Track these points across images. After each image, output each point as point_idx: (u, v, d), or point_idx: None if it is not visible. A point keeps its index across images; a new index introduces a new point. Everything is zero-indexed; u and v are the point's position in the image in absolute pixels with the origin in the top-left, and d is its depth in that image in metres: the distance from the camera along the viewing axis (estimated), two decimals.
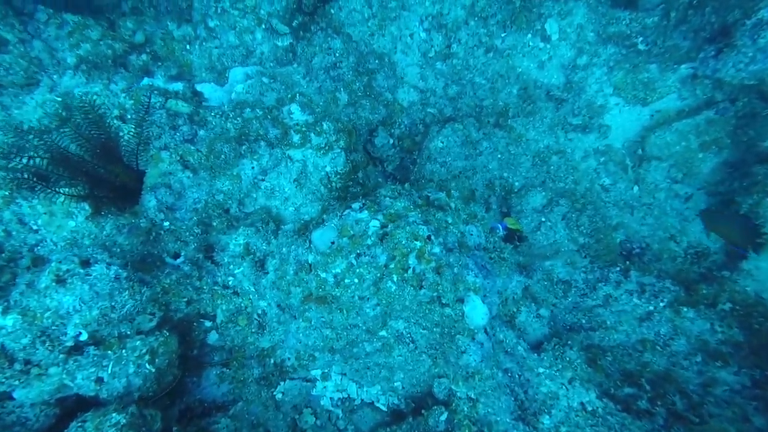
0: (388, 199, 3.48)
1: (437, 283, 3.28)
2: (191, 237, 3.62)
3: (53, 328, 2.54)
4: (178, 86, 5.02)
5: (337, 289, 3.44)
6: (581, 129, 6.21)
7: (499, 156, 6.00)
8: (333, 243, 3.37)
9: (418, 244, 3.22)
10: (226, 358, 3.81)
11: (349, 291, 3.43)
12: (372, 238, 3.24)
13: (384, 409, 4.07)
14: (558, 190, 6.11)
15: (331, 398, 4.02)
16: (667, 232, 5.68)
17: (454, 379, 3.73)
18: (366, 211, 3.38)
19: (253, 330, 3.80)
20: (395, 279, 3.22)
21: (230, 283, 3.79)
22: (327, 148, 4.38)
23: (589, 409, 3.79)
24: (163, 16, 6.56)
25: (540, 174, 6.11)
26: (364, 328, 3.61)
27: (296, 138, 4.29)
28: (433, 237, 3.28)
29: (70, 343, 2.60)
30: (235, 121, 4.21)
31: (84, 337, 2.66)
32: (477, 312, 3.30)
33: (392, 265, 3.25)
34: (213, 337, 3.85)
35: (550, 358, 3.96)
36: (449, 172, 5.82)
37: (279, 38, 6.34)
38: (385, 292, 3.34)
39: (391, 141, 6.14)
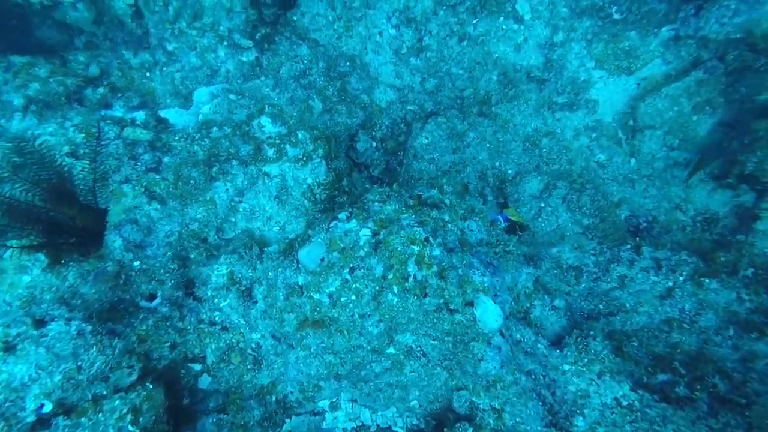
0: (376, 204, 3.18)
1: (442, 289, 2.97)
2: (167, 274, 3.29)
3: (7, 404, 2.19)
4: (140, 115, 4.72)
5: (334, 310, 3.12)
6: (568, 107, 5.97)
7: (487, 145, 5.74)
8: (323, 260, 3.06)
9: (416, 248, 2.92)
10: (223, 403, 3.46)
11: (348, 310, 3.11)
12: (364, 249, 2.94)
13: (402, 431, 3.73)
14: (553, 172, 5.85)
15: (344, 429, 3.67)
16: (671, 202, 5.43)
17: (474, 391, 3.41)
18: (354, 220, 3.07)
19: (248, 367, 3.46)
20: (396, 290, 2.91)
21: (217, 318, 3.46)
22: (305, 158, 4.08)
23: (625, 403, 3.49)
24: (119, 46, 6.25)
25: (532, 158, 5.85)
26: (368, 348, 3.29)
27: (271, 152, 3.99)
28: (431, 238, 2.98)
29: (32, 419, 2.26)
30: (203, 143, 3.90)
31: (48, 408, 2.31)
32: (489, 314, 3.00)
33: (390, 276, 2.94)
34: (205, 381, 3.50)
35: (574, 353, 3.65)
36: (438, 169, 5.54)
37: (243, 53, 6.05)
38: (386, 305, 3.02)
39: (374, 144, 5.86)
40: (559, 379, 3.57)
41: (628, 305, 4.90)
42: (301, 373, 3.39)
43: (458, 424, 3.33)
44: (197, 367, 3.45)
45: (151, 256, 3.32)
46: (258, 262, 3.57)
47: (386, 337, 3.27)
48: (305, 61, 5.48)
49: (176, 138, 3.83)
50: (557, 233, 5.67)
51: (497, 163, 5.69)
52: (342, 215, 3.19)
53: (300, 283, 3.19)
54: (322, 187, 4.22)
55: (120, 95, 5.74)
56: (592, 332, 3.70)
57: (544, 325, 4.06)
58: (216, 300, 3.44)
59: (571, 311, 4.75)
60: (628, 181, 5.69)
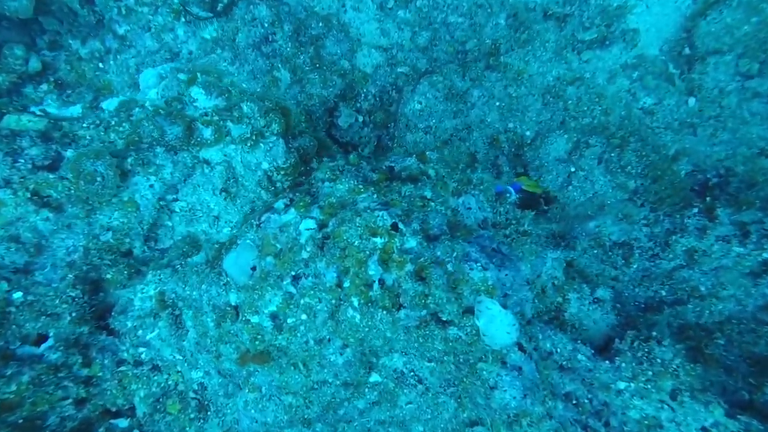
0: (326, 183, 2.27)
1: (424, 295, 2.04)
2: (64, 305, 2.50)
3: None
4: (76, 109, 3.96)
5: (280, 336, 2.24)
6: (598, 44, 4.81)
7: (497, 104, 4.69)
8: (254, 268, 2.18)
9: (380, 240, 1.99)
10: None
11: (298, 335, 2.22)
12: (308, 249, 2.04)
13: None
14: (584, 128, 4.73)
15: None
16: (752, 147, 4.21)
17: (493, 427, 2.45)
18: (293, 209, 2.18)
19: (191, 416, 2.63)
20: (356, 303, 2.00)
21: (143, 356, 2.65)
22: (255, 137, 3.21)
23: None
24: (65, 36, 5.53)
25: (556, 113, 4.75)
26: (338, 382, 2.39)
27: (207, 132, 3.14)
28: (401, 224, 2.04)
29: None
30: (121, 129, 3.09)
31: None
32: (498, 324, 2.04)
33: (347, 284, 2.02)
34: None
35: (631, 364, 2.62)
36: (437, 138, 4.54)
37: (205, 29, 5.22)
38: (347, 325, 2.11)
39: (360, 118, 4.92)
40: (613, 403, 2.56)
41: (703, 288, 3.77)
42: (256, 422, 2.54)
43: None
44: (123, 423, 2.65)
45: (42, 282, 2.55)
46: (194, 275, 2.73)
47: (360, 365, 2.36)
48: (266, 25, 4.59)
49: (84, 125, 3.04)
50: (594, 203, 4.57)
51: (511, 125, 4.63)
52: (279, 204, 2.31)
53: (232, 303, 2.33)
54: (282, 173, 3.33)
55: (70, 92, 5.02)
56: (654, 332, 2.66)
57: (585, 325, 3.03)
58: (140, 332, 2.63)
59: (621, 302, 3.68)
60: (686, 127, 4.50)
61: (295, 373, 2.34)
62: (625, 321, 3.15)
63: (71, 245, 2.70)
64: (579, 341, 2.68)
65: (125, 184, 2.91)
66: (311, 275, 2.08)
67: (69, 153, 2.88)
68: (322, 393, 2.45)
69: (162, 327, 2.65)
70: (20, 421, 2.19)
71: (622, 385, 2.54)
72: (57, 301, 2.49)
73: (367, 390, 2.49)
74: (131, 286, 2.78)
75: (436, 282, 1.99)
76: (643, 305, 3.76)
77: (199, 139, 3.12)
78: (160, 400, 2.66)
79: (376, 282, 1.98)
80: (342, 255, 2.02)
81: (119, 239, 2.89)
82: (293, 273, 2.11)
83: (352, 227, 2.01)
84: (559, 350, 2.61)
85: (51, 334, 2.44)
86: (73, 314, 2.52)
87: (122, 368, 2.62)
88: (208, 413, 2.67)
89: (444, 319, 2.11)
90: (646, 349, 2.59)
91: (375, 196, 2.16)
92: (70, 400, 2.39)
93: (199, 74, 3.27)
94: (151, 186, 3.00)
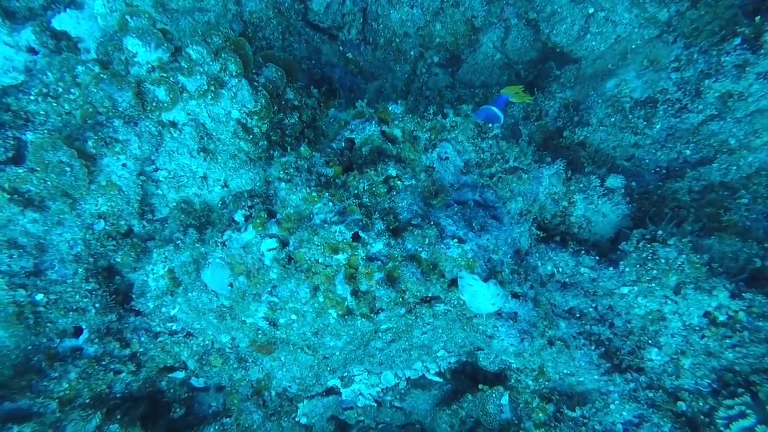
0: (282, 186, 2.13)
1: (401, 292, 2.06)
2: (86, 299, 2.76)
3: None
4: (27, 35, 3.53)
5: (278, 332, 2.41)
6: None
7: None
8: (231, 285, 2.26)
9: (342, 257, 1.96)
10: (224, 403, 3.21)
11: (295, 329, 2.37)
12: (275, 270, 2.04)
13: (438, 379, 3.28)
14: None
15: (370, 395, 3.32)
16: None
17: (501, 352, 2.71)
18: (251, 227, 2.12)
19: (234, 366, 3.06)
20: (335, 315, 2.09)
21: (175, 327, 2.98)
22: (214, 86, 2.98)
23: (722, 318, 2.57)
24: None
25: None
26: (351, 346, 2.61)
27: (161, 93, 2.93)
28: (363, 233, 1.96)
29: None
30: (71, 96, 2.92)
31: None
32: (481, 298, 2.09)
33: (321, 299, 2.08)
34: (199, 381, 3.23)
35: (635, 267, 2.66)
36: (426, 11, 3.96)
37: None
38: (334, 328, 2.23)
39: None
40: (617, 305, 2.70)
41: (733, 141, 3.56)
42: (289, 375, 2.92)
43: (491, 391, 2.74)
44: (180, 375, 3.14)
45: (57, 279, 2.77)
46: (200, 245, 2.85)
47: (358, 341, 2.53)
48: None
49: (32, 97, 2.88)
50: (616, 50, 4.07)
51: None
52: (239, 215, 2.24)
53: (225, 305, 2.48)
54: (256, 117, 3.16)
55: None
56: (660, 231, 2.62)
57: (594, 222, 3.01)
58: (163, 309, 2.92)
59: (639, 174, 3.55)
60: None
61: (302, 354, 2.59)
62: (637, 208, 3.08)
63: (70, 239, 2.85)
64: (582, 252, 2.71)
65: (96, 168, 2.89)
66: (285, 291, 2.13)
67: (29, 136, 2.81)
68: (337, 353, 2.72)
69: (181, 303, 2.90)
70: (87, 400, 2.65)
71: (625, 290, 2.63)
72: (77, 297, 2.76)
73: (379, 336, 2.70)
74: (141, 268, 2.98)
75: (409, 279, 1.99)
76: (664, 171, 3.62)
77: (155, 103, 2.94)
78: (203, 357, 3.07)
79: (349, 297, 2.01)
80: (309, 274, 2.02)
81: (114, 224, 3.00)
82: (268, 289, 2.17)
83: (312, 247, 1.97)
84: (561, 269, 2.67)
85: (84, 326, 2.77)
86: (97, 305, 2.80)
87: (160, 339, 2.98)
88: (248, 363, 3.08)
89: (430, 296, 2.15)
90: (651, 250, 2.60)
91: (331, 204, 2.03)
92: (123, 373, 2.83)
93: (127, 16, 2.91)
94: (124, 165, 2.97)
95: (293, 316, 2.20)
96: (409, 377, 3.35)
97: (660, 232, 2.59)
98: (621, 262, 2.65)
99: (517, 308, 2.31)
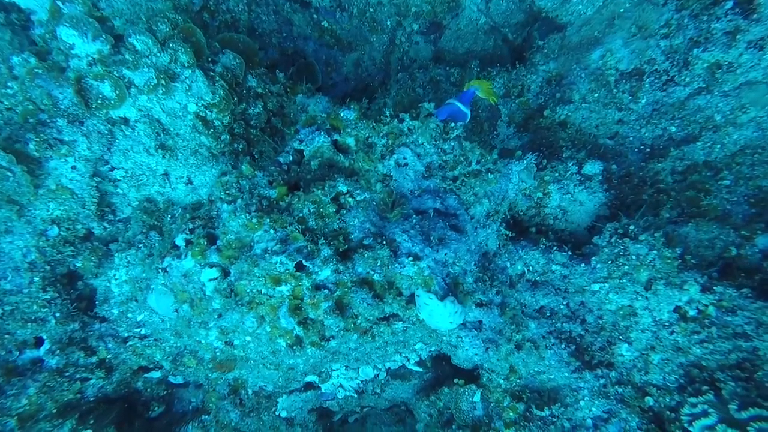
0: (225, 207, 2.00)
1: (352, 320, 1.99)
2: (44, 308, 2.70)
3: None
4: None
5: (235, 351, 2.37)
6: None
7: None
8: (177, 310, 2.19)
9: (285, 288, 1.87)
10: (202, 400, 3.26)
11: (252, 349, 2.32)
12: (217, 301, 1.96)
13: (418, 369, 3.32)
14: None
15: (350, 387, 3.36)
16: None
17: (467, 361, 2.72)
18: (189, 255, 2.01)
19: (209, 366, 3.06)
20: (284, 344, 2.03)
21: (143, 331, 2.95)
22: (165, 79, 2.78)
23: (692, 313, 2.58)
24: None
25: None
26: (318, 356, 2.57)
27: (106, 88, 2.74)
28: (307, 262, 1.86)
29: None
30: (9, 91, 2.73)
31: None
32: (438, 317, 2.04)
33: (268, 328, 2.01)
34: (178, 378, 3.26)
35: (606, 263, 2.63)
36: None
37: None
38: (287, 353, 2.17)
39: None
40: (589, 302, 2.69)
41: (719, 117, 3.45)
42: (262, 378, 2.92)
43: (463, 389, 2.77)
44: (156, 374, 3.16)
45: (11, 289, 2.70)
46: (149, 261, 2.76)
47: (320, 358, 2.48)
48: None
49: None
50: (603, 16, 3.83)
51: None
52: (179, 239, 2.12)
53: (178, 329, 2.42)
54: (215, 110, 2.98)
55: None
56: (631, 226, 2.56)
57: (570, 212, 2.93)
58: (129, 315, 2.88)
59: (622, 153, 3.45)
60: None
61: (265, 370, 2.56)
62: (615, 195, 3.00)
63: (22, 247, 2.76)
64: (554, 248, 2.65)
65: (43, 171, 2.75)
66: (229, 321, 2.06)
67: None
68: (300, 368, 2.69)
69: (145, 309, 2.85)
70: (54, 411, 2.66)
71: (596, 286, 2.61)
72: (35, 307, 2.70)
73: (347, 340, 2.65)
74: (103, 273, 2.91)
75: (360, 306, 1.92)
76: (648, 149, 3.51)
77: (100, 101, 2.75)
78: (177, 358, 3.07)
79: (296, 327, 1.94)
80: (252, 305, 1.94)
81: (70, 228, 2.89)
82: (215, 317, 2.09)
83: (253, 279, 1.88)
84: (531, 267, 2.62)
85: (45, 337, 2.73)
86: (57, 315, 2.75)
87: (130, 343, 2.97)
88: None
89: (388, 314, 2.09)
90: (622, 247, 2.55)
91: (272, 231, 1.91)
92: (93, 380, 2.83)
93: (60, 3, 2.65)
94: (74, 168, 2.82)
95: (248, 338, 2.17)
96: (389, 368, 3.38)
97: (632, 227, 2.53)
98: (593, 258, 2.60)
99: (482, 317, 2.28)
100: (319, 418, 3.48)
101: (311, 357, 2.25)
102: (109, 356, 2.92)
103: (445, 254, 2.11)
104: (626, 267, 2.57)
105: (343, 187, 2.01)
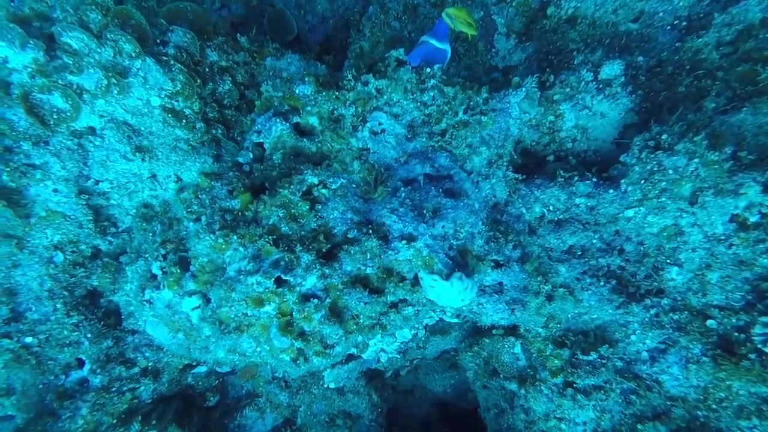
0: (191, 226, 1.80)
1: (354, 317, 1.80)
2: (75, 332, 2.75)
3: None
4: None
5: (251, 358, 2.25)
6: None
7: None
8: (174, 337, 2.09)
9: (270, 308, 1.69)
10: (253, 384, 3.34)
11: (267, 355, 2.20)
12: (206, 329, 1.82)
13: (456, 320, 3.19)
14: None
15: (393, 350, 3.32)
16: None
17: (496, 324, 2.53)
18: (165, 285, 1.84)
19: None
20: (288, 359, 1.89)
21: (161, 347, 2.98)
22: (116, 76, 2.56)
23: (753, 220, 2.21)
24: None
25: None
26: (330, 357, 2.45)
27: (58, 100, 2.56)
28: (286, 275, 1.65)
29: None
30: None
31: None
32: (447, 296, 1.80)
33: (266, 348, 1.87)
34: (224, 367, 3.34)
35: (638, 186, 2.26)
36: None
37: None
38: (292, 366, 2.05)
39: None
40: (625, 229, 2.36)
41: None
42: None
43: (503, 342, 2.61)
44: (202, 369, 3.24)
45: (39, 319, 2.75)
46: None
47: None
48: None
49: None
50: None
51: None
52: (155, 267, 1.96)
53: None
54: (181, 98, 2.75)
55: None
56: (664, 135, 2.15)
57: (590, 129, 2.52)
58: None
59: (649, 38, 2.90)
60: None
61: (290, 369, 2.47)
62: (644, 96, 2.54)
63: (37, 278, 2.77)
64: (575, 178, 2.29)
65: (27, 200, 2.69)
66: (222, 346, 1.92)
67: None
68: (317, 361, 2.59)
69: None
70: (114, 421, 2.79)
71: (630, 212, 2.27)
72: (65, 332, 2.76)
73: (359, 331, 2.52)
74: (120, 288, 2.90)
75: (357, 306, 1.71)
76: (684, 22, 2.93)
77: (56, 115, 2.58)
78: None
79: (290, 344, 1.78)
80: (241, 329, 1.78)
81: (75, 250, 2.87)
82: (213, 341, 1.96)
83: (234, 304, 1.70)
84: (551, 207, 2.30)
85: (84, 358, 2.81)
86: (89, 336, 2.81)
87: (165, 349, 3.01)
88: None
89: (391, 300, 1.88)
90: (656, 161, 2.17)
91: (242, 249, 1.69)
92: (142, 387, 2.92)
93: None
94: (56, 191, 2.73)
95: (258, 348, 2.06)
96: (426, 324, 3.27)
97: (665, 136, 2.12)
98: (622, 181, 2.24)
99: (501, 277, 2.05)
100: (369, 381, 3.49)
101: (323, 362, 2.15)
102: (149, 364, 2.99)
103: (443, 227, 1.85)
104: (663, 183, 2.21)
105: (313, 179, 1.77)
